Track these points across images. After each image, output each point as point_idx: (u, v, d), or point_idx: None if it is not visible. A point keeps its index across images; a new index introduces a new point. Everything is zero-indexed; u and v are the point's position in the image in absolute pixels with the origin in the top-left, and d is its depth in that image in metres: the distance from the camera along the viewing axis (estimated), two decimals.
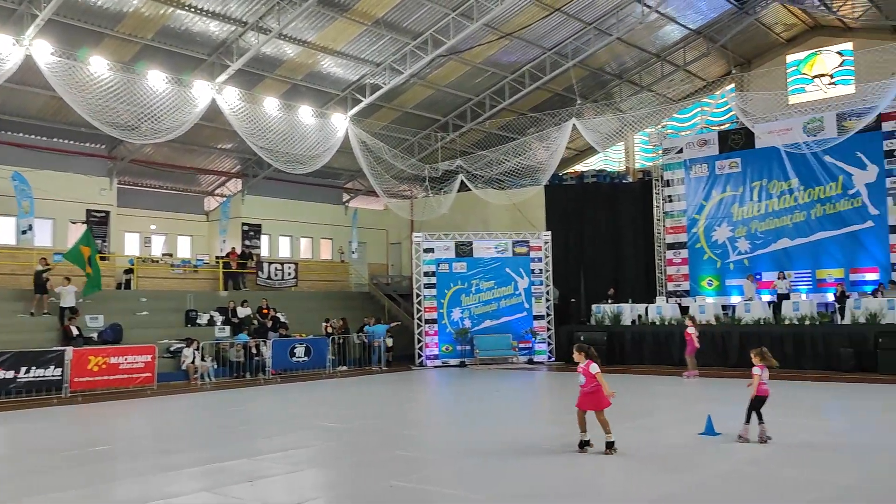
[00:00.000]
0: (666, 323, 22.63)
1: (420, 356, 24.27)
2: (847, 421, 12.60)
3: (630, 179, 29.14)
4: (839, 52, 25.68)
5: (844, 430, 11.49)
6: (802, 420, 12.21)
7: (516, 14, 21.55)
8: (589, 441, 9.56)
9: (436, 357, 24.29)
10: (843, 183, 22.62)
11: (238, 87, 20.32)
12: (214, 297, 24.72)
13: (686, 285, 25.50)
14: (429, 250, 24.87)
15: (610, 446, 9.32)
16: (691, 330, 18.96)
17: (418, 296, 24.63)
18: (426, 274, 24.74)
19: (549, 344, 24.67)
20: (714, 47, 26.06)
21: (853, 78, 24.90)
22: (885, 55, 22.85)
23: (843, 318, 20.05)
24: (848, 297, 20.57)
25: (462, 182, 25.09)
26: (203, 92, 19.00)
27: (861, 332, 18.96)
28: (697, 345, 18.83)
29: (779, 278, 22.65)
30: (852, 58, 25.18)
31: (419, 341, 24.38)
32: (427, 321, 24.44)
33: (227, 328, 22.65)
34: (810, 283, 23.04)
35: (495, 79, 25.33)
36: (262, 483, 8.25)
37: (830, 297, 21.64)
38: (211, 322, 22.93)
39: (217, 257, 26.85)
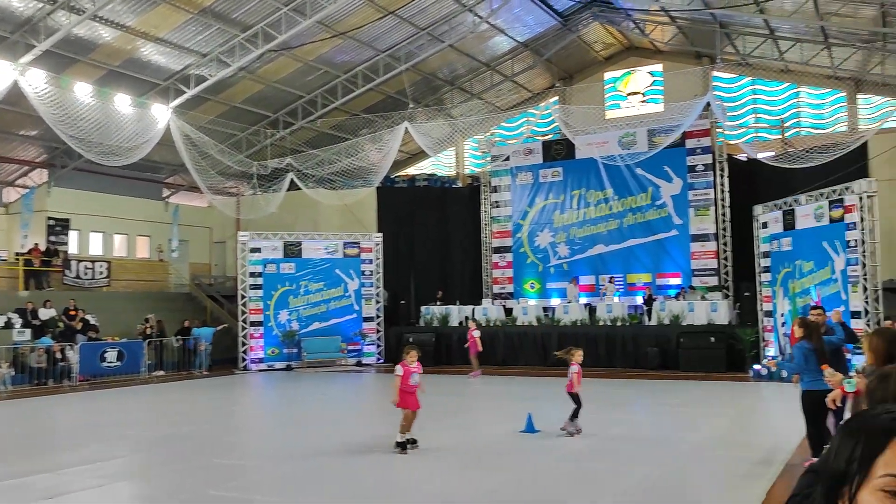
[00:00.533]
0: (491, 324, 23.33)
1: (244, 360, 23.44)
2: (651, 415, 13.53)
3: (460, 184, 29.79)
4: (650, 73, 27.65)
5: (648, 424, 12.32)
6: (614, 416, 12.98)
7: (350, 14, 21.37)
8: (414, 441, 9.62)
9: (261, 360, 23.55)
10: (652, 194, 24.34)
11: (46, 69, 18.68)
12: (13, 297, 22.56)
13: (511, 288, 26.41)
14: (255, 250, 24.10)
15: (406, 445, 9.52)
16: (476, 333, 19.95)
17: (243, 297, 23.79)
18: (252, 274, 23.95)
19: (379, 346, 24.68)
20: (540, 60, 27.20)
21: (662, 97, 26.89)
22: (689, 78, 24.95)
23: (650, 319, 21.59)
24: (655, 300, 22.17)
25: (292, 181, 24.52)
26: (4, 72, 17.30)
27: (665, 333, 20.49)
28: (480, 347, 19.81)
29: (610, 281, 24.01)
30: (662, 78, 27.20)
31: (243, 344, 23.54)
32: (252, 323, 23.66)
33: (28, 331, 20.74)
34: (622, 286, 24.59)
35: (328, 77, 25.01)
36: (64, 500, 7.57)
37: (640, 300, 23.22)
38: (8, 324, 20.90)
39: (17, 254, 24.53)
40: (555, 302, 24.84)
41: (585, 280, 25.05)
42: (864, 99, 24.97)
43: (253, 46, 20.83)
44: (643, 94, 27.57)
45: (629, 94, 27.80)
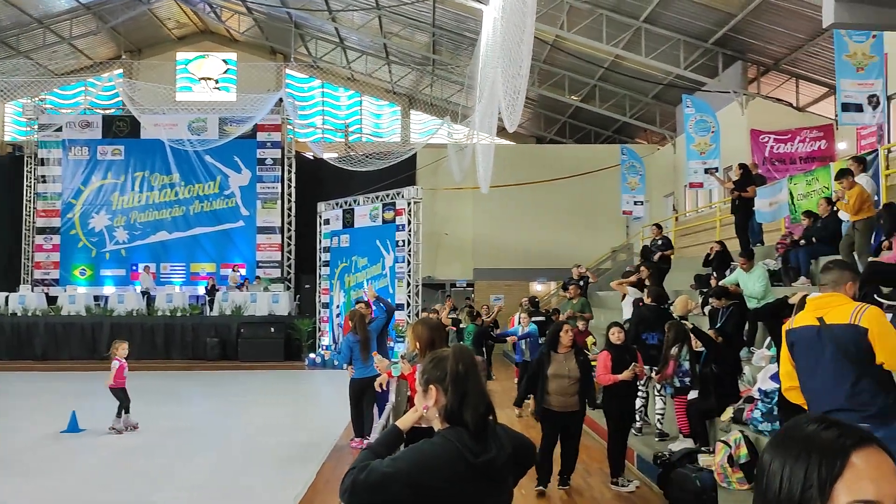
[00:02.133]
0: (30, 314, 20.64)
1: None
2: (208, 407, 13.28)
3: None
4: (225, 60, 27.26)
5: (205, 416, 12.06)
6: (170, 408, 12.43)
7: None
8: None
9: None
10: (220, 183, 23.98)
11: None
12: None
13: (56, 273, 23.68)
14: None
15: None
16: None
17: None
18: None
19: None
20: (104, 27, 24.93)
21: (235, 87, 26.69)
22: (264, 72, 25.22)
23: (212, 309, 21.23)
24: (218, 290, 21.87)
25: None
26: None
27: (226, 323, 20.36)
28: None
29: (145, 271, 22.62)
30: (236, 68, 27.01)
31: None
32: None
33: None
34: (184, 276, 23.78)
35: None
36: None
37: (202, 290, 22.69)
38: None
39: None
40: (108, 290, 22.96)
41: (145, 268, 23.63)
42: (416, 115, 28.01)
43: None
44: (216, 81, 27.06)
45: (202, 79, 27.04)
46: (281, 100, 22.61)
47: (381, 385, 7.09)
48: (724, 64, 18.29)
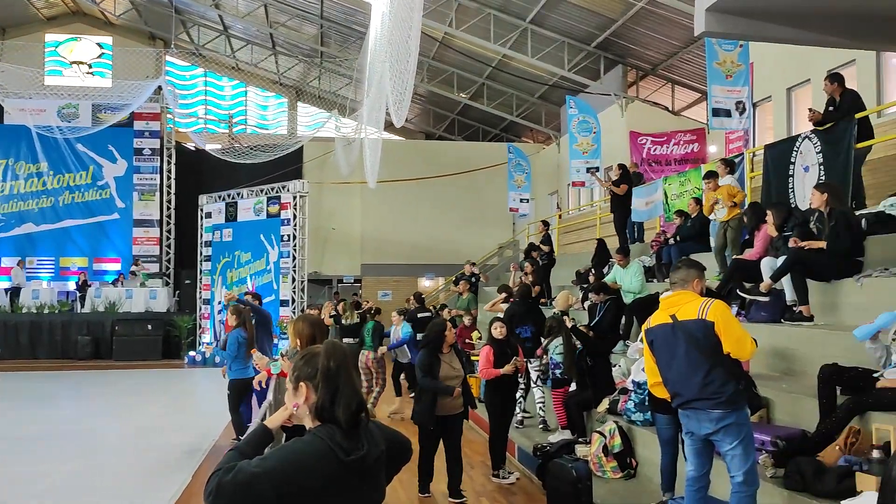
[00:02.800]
0: None
1: None
2: (78, 409, 12.59)
3: None
4: (99, 44, 25.88)
5: (74, 418, 11.43)
6: (36, 411, 11.70)
7: None
8: None
9: None
10: (93, 173, 22.74)
11: None
12: None
13: None
14: None
15: None
16: None
17: None
18: None
19: None
20: None
21: (111, 72, 25.38)
22: (142, 58, 24.09)
23: (83, 306, 20.12)
24: (90, 285, 20.74)
25: None
26: None
27: (100, 320, 19.36)
28: None
29: (18, 265, 21.30)
30: (111, 52, 25.68)
31: None
32: None
33: None
34: (53, 270, 22.44)
35: None
36: None
37: (72, 286, 21.47)
38: None
39: None
40: None
41: (8, 262, 22.11)
42: (304, 107, 27.53)
43: None
44: (90, 66, 25.65)
45: (73, 63, 25.55)
46: (160, 87, 21.67)
47: (259, 383, 6.92)
48: (605, 67, 18.94)
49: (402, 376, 11.76)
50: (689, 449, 4.53)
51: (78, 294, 20.64)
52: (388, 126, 18.17)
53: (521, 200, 21.21)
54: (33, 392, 13.80)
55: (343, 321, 11.47)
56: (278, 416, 2.43)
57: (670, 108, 19.40)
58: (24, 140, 22.27)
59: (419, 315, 12.37)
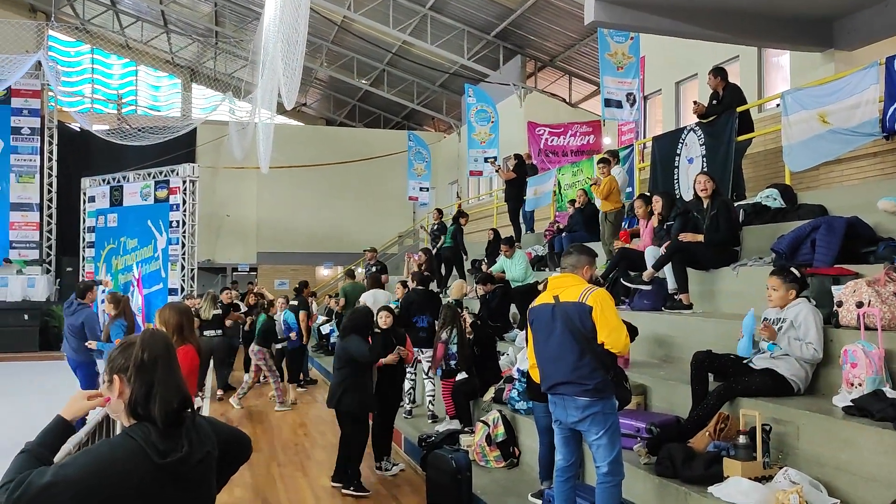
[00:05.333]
0: None
1: None
2: None
3: None
4: None
5: None
6: None
7: None
8: None
9: None
10: None
11: None
12: None
13: None
14: None
15: None
16: None
17: None
18: None
19: None
20: None
21: None
22: (21, 31, 22.57)
23: None
24: None
25: None
26: None
27: None
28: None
29: None
30: None
31: None
32: None
33: None
34: None
35: None
36: None
37: None
38: None
39: None
40: None
41: None
42: (198, 89, 26.51)
43: None
44: None
45: None
46: (40, 63, 20.34)
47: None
48: (504, 57, 19.01)
49: (284, 363, 11.51)
50: (557, 438, 4.50)
51: None
52: (287, 111, 17.69)
53: (421, 189, 21.09)
54: None
55: (201, 315, 10.99)
56: (78, 405, 2.19)
57: (567, 100, 19.67)
58: None
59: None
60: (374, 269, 14.94)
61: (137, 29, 24.55)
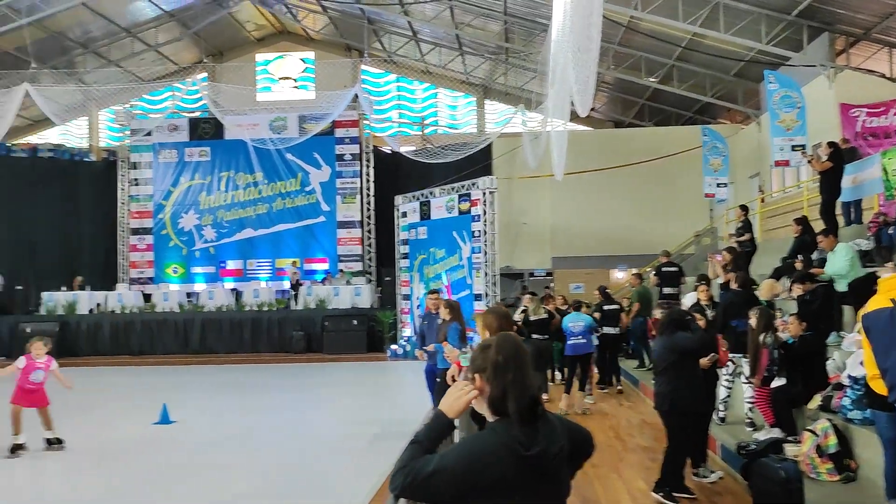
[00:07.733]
0: (127, 311, 21.63)
1: None
2: (292, 399, 13.58)
3: (93, 158, 27.08)
4: (302, 59, 27.82)
5: (288, 408, 12.35)
6: (256, 402, 12.80)
7: None
8: (23, 444, 8.51)
9: None
10: (301, 180, 24.53)
11: None
12: None
13: (151, 272, 24.74)
14: None
15: (55, 442, 8.63)
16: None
17: None
18: None
19: None
20: (187, 33, 25.81)
21: (314, 85, 27.21)
22: (339, 69, 25.58)
23: (297, 303, 21.77)
24: (302, 284, 22.41)
25: None
26: None
27: (311, 317, 20.82)
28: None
29: (293, 265, 23.51)
30: (313, 66, 27.52)
31: None
32: None
33: None
34: (270, 271, 24.44)
35: None
36: None
37: (287, 285, 23.28)
38: None
39: None
40: (199, 287, 23.84)
41: (233, 264, 24.45)
42: (491, 104, 27.90)
43: None
44: (295, 80, 27.65)
45: (281, 79, 27.68)
46: (356, 95, 22.88)
47: (452, 376, 7.06)
48: (809, 37, 17.49)
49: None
50: None
51: (292, 292, 22.37)
52: (575, 117, 17.97)
53: (718, 185, 20.11)
54: (254, 384, 15.12)
55: (530, 315, 11.42)
56: (456, 403, 2.36)
57: (888, 75, 17.53)
58: (242, 153, 24.46)
59: (605, 308, 12.59)
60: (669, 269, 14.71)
61: (436, 54, 26.51)
